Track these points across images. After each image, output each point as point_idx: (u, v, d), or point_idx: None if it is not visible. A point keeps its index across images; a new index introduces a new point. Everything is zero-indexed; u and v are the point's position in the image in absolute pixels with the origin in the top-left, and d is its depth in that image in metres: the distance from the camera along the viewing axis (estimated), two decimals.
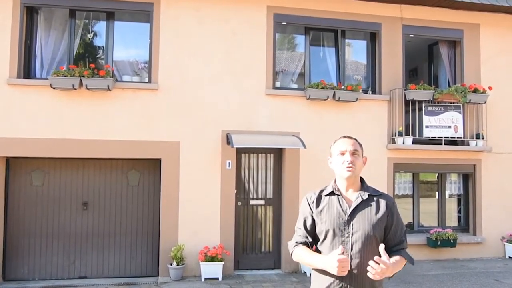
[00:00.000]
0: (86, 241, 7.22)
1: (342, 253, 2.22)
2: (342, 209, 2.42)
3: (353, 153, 2.45)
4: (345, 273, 2.23)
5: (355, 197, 2.46)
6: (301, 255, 2.46)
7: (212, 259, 6.91)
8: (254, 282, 6.87)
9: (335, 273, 2.23)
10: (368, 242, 2.36)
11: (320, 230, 2.44)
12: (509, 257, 8.44)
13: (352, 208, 2.41)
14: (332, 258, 2.23)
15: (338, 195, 2.47)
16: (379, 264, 2.17)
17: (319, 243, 2.46)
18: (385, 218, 2.43)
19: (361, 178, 2.53)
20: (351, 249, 2.35)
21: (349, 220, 2.39)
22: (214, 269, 6.91)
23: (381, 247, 2.26)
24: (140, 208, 7.42)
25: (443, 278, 7.07)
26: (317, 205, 2.47)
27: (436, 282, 6.85)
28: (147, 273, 7.34)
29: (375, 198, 2.46)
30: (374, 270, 2.18)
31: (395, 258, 2.37)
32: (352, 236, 2.37)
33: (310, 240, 2.48)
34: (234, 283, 6.79)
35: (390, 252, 2.44)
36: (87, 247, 7.21)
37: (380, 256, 2.28)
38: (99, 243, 7.25)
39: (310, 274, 2.60)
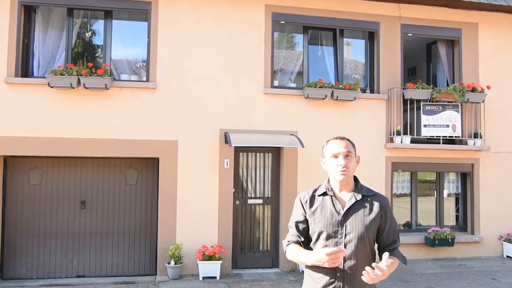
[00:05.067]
0: (84, 240, 7.22)
1: (326, 246, 2.24)
2: (336, 210, 2.40)
3: (346, 155, 2.41)
4: (337, 264, 2.22)
5: (348, 197, 2.43)
6: (293, 253, 2.45)
7: (210, 258, 6.91)
8: (252, 281, 6.88)
9: (327, 265, 2.22)
10: (362, 243, 2.35)
11: (313, 230, 2.43)
12: (507, 256, 8.45)
13: (345, 209, 2.40)
14: (320, 252, 2.22)
15: (331, 195, 2.45)
16: (374, 269, 2.17)
17: (312, 243, 2.45)
18: (379, 218, 2.41)
19: (355, 177, 2.50)
20: None
21: (343, 221, 2.37)
22: (212, 268, 6.91)
23: (385, 255, 2.26)
24: (138, 207, 7.42)
25: (441, 277, 7.08)
26: (310, 205, 2.45)
27: (434, 281, 6.85)
28: (145, 272, 7.34)
29: (369, 199, 2.44)
30: (369, 276, 2.17)
31: (390, 260, 2.35)
32: (345, 237, 2.35)
33: (302, 239, 2.47)
34: (232, 282, 6.80)
35: (383, 251, 2.45)
36: (85, 246, 7.21)
37: (373, 257, 2.29)
38: (97, 242, 7.25)
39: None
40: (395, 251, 2.43)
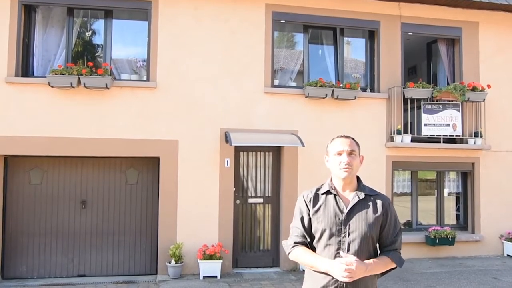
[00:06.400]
0: (85, 239, 7.22)
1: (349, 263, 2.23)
2: (339, 209, 2.40)
3: (350, 153, 2.43)
4: (351, 279, 2.23)
5: (351, 196, 2.44)
6: (302, 257, 2.42)
7: (211, 257, 6.91)
8: (253, 280, 6.88)
9: (340, 278, 2.23)
10: (365, 242, 2.35)
11: (315, 229, 2.42)
12: (508, 255, 8.45)
13: (349, 207, 2.40)
14: (339, 264, 2.23)
15: (335, 194, 2.45)
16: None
17: (314, 241, 2.45)
18: (381, 218, 2.42)
19: (357, 177, 2.51)
20: (348, 249, 2.34)
21: (346, 220, 2.38)
22: (212, 267, 6.91)
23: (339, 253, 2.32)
24: (138, 206, 7.42)
25: (441, 276, 7.08)
26: (314, 204, 2.45)
27: (434, 280, 6.85)
28: (145, 271, 7.34)
29: (371, 198, 2.45)
30: (343, 271, 2.20)
31: (376, 259, 2.37)
32: (348, 236, 2.36)
33: (309, 240, 2.46)
34: (233, 281, 6.80)
35: (380, 251, 2.46)
36: (85, 245, 7.21)
37: (376, 256, 2.29)
38: (97, 241, 7.25)
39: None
40: (391, 252, 2.41)
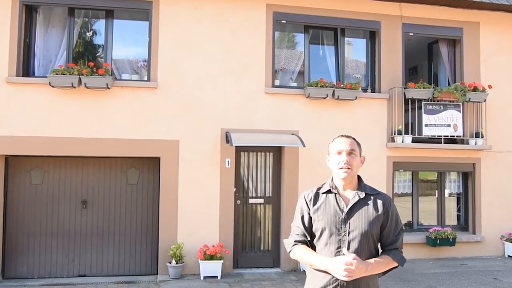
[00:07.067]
0: (86, 239, 7.22)
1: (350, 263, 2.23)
2: (339, 208, 2.41)
3: (350, 153, 2.43)
4: (351, 278, 2.22)
5: (352, 195, 2.45)
6: (303, 255, 2.44)
7: (211, 257, 6.91)
8: (253, 281, 6.87)
9: (339, 277, 2.23)
10: (365, 241, 2.36)
11: (316, 228, 2.43)
12: (508, 256, 8.44)
13: (349, 206, 2.40)
14: (338, 262, 2.23)
15: (335, 193, 2.46)
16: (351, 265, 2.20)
17: (315, 240, 2.46)
18: (382, 217, 2.42)
19: (358, 176, 2.52)
20: (348, 248, 2.34)
21: (346, 218, 2.38)
22: (213, 268, 6.91)
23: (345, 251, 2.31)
24: (139, 206, 7.42)
25: (442, 276, 7.07)
26: (314, 203, 2.46)
27: (435, 280, 6.85)
28: (146, 271, 7.34)
29: (372, 197, 2.45)
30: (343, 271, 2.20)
31: (378, 258, 2.36)
32: (349, 235, 2.36)
33: (309, 238, 2.47)
34: (233, 282, 6.79)
35: (382, 250, 2.46)
36: (86, 245, 7.22)
37: (377, 255, 2.28)
38: (98, 241, 7.25)
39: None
40: (392, 251, 2.42)
